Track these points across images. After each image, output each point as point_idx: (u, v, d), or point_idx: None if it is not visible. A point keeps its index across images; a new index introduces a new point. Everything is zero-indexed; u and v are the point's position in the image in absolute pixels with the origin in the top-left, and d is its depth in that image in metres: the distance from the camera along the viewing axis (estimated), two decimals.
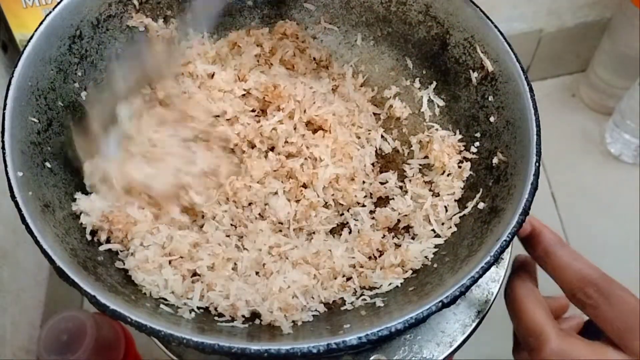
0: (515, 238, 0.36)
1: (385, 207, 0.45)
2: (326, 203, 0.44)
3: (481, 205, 0.40)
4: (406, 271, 0.40)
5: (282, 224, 0.43)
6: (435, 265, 0.40)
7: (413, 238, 0.43)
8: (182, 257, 0.40)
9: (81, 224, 0.39)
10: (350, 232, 0.44)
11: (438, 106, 0.47)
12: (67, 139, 0.41)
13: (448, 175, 0.44)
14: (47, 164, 0.39)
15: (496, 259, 0.34)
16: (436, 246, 0.41)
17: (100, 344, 0.67)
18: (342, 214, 0.45)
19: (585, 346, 0.35)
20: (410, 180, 0.46)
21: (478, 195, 0.41)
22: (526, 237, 0.39)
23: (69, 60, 0.43)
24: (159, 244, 0.40)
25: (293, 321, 0.37)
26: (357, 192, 0.45)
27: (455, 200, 0.43)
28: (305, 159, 0.45)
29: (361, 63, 0.51)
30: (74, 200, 0.40)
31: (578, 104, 1.08)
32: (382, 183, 0.46)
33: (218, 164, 0.43)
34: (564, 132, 1.04)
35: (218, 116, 0.45)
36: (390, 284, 0.39)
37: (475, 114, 0.44)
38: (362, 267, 0.41)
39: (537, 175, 0.36)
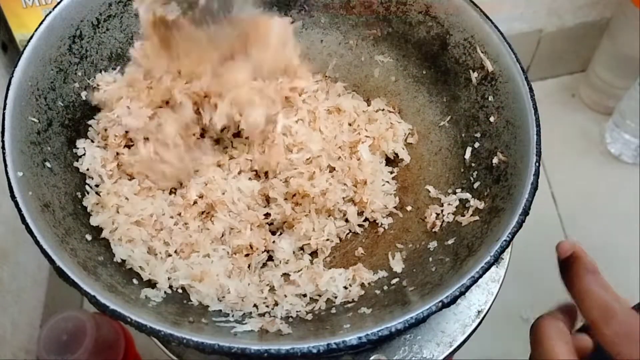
0: (517, 238, 0.36)
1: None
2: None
3: (481, 205, 0.40)
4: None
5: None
6: (435, 266, 0.40)
7: None
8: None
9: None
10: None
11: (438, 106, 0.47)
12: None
13: None
14: (47, 164, 0.39)
15: (496, 259, 0.34)
16: (437, 245, 0.41)
17: (100, 344, 0.67)
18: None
19: None
20: None
21: (478, 195, 0.41)
22: (565, 259, 0.38)
23: (69, 60, 0.43)
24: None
25: (289, 316, 0.38)
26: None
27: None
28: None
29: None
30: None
31: (578, 104, 1.08)
32: None
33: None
34: (564, 132, 1.04)
35: None
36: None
37: (475, 114, 0.44)
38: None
39: (537, 175, 0.36)
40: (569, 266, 0.37)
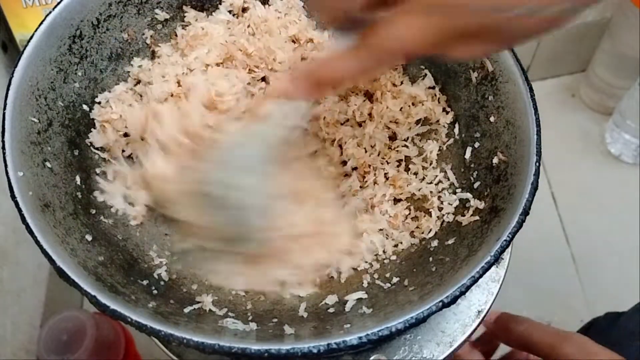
0: (517, 238, 0.36)
1: None
2: None
3: (481, 205, 0.40)
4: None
5: None
6: (435, 266, 0.40)
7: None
8: None
9: None
10: None
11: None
12: None
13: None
14: (47, 164, 0.39)
15: (496, 259, 0.34)
16: (437, 245, 0.41)
17: (100, 344, 0.67)
18: None
19: None
20: None
21: (478, 195, 0.41)
22: (493, 326, 0.41)
23: (69, 60, 0.43)
24: None
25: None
26: None
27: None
28: None
29: None
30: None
31: (578, 104, 1.08)
32: None
33: None
34: (564, 132, 1.04)
35: None
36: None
37: (475, 114, 0.44)
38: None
39: (537, 175, 0.36)
40: (501, 328, 0.39)
